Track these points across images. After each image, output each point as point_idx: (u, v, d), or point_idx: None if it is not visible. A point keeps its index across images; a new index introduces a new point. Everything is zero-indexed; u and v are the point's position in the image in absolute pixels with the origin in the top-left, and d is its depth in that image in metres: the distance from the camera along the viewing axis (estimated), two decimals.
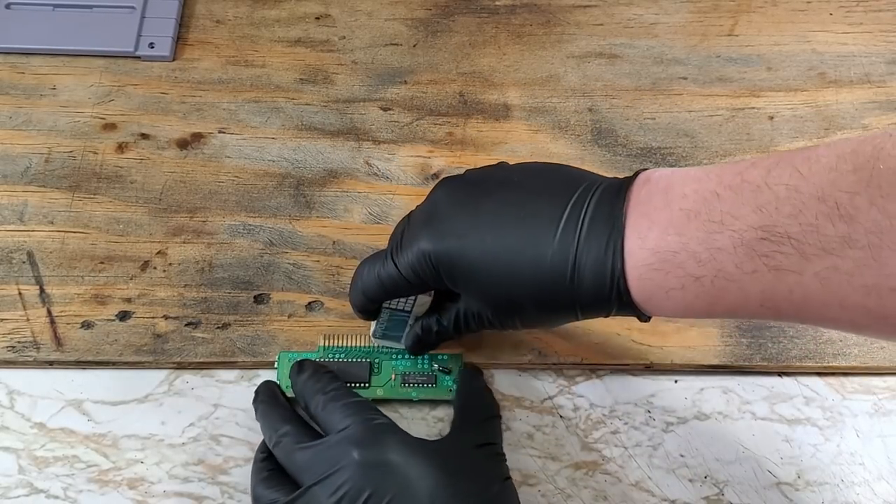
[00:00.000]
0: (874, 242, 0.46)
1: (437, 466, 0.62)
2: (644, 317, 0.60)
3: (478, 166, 0.67)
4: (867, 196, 0.47)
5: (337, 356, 0.74)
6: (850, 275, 0.48)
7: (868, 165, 0.47)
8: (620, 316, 0.60)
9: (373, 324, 0.71)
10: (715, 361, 0.75)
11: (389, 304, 0.67)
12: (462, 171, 0.67)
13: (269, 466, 0.66)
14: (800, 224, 0.49)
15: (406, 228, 0.64)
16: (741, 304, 0.54)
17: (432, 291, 0.66)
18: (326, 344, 0.75)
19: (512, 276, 0.60)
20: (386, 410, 0.68)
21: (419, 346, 0.71)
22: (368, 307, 0.68)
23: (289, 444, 0.64)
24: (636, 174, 0.59)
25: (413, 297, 0.67)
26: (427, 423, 0.73)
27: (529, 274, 0.59)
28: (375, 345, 0.74)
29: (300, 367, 0.70)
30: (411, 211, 0.66)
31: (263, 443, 0.68)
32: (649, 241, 0.55)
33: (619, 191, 0.58)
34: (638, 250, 0.55)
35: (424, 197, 0.66)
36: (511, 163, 0.67)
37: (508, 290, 0.60)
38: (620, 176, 0.62)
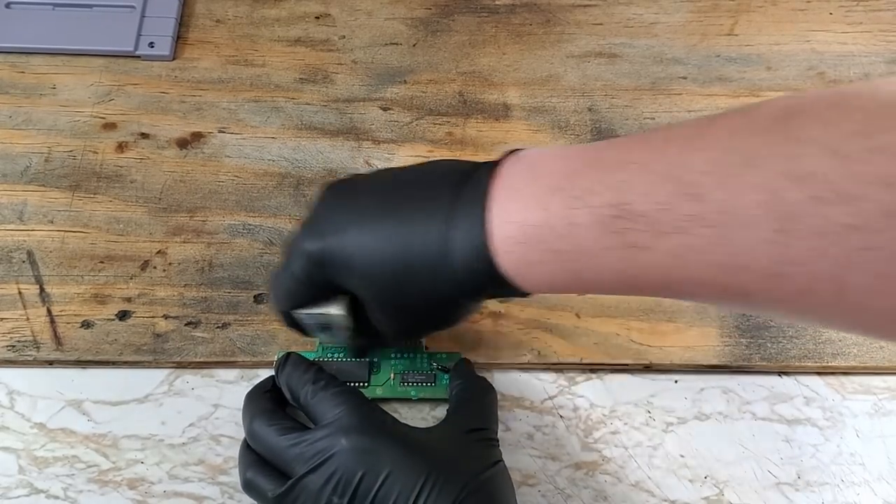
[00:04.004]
0: (723, 221, 0.47)
1: (428, 450, 0.62)
2: (520, 293, 0.59)
3: None
4: (716, 175, 0.47)
5: (336, 355, 0.74)
6: (702, 252, 0.48)
7: (719, 145, 0.48)
8: (500, 297, 0.61)
9: (315, 336, 0.72)
10: (714, 361, 0.75)
11: (308, 312, 0.67)
12: None
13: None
14: (653, 202, 0.49)
15: (295, 235, 0.65)
16: (601, 280, 0.54)
17: (345, 297, 0.66)
18: (325, 343, 0.75)
19: (388, 267, 0.60)
20: (385, 410, 0.68)
21: (356, 352, 0.74)
22: (289, 320, 0.69)
23: (277, 436, 0.65)
24: (507, 154, 0.59)
25: (325, 309, 0.66)
26: (427, 423, 0.73)
27: (404, 263, 0.59)
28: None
29: (285, 360, 0.70)
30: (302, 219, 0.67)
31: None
32: (514, 215, 0.55)
33: (486, 171, 0.58)
34: (503, 224, 0.55)
35: None
36: None
37: (387, 281, 0.60)
38: None
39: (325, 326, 0.67)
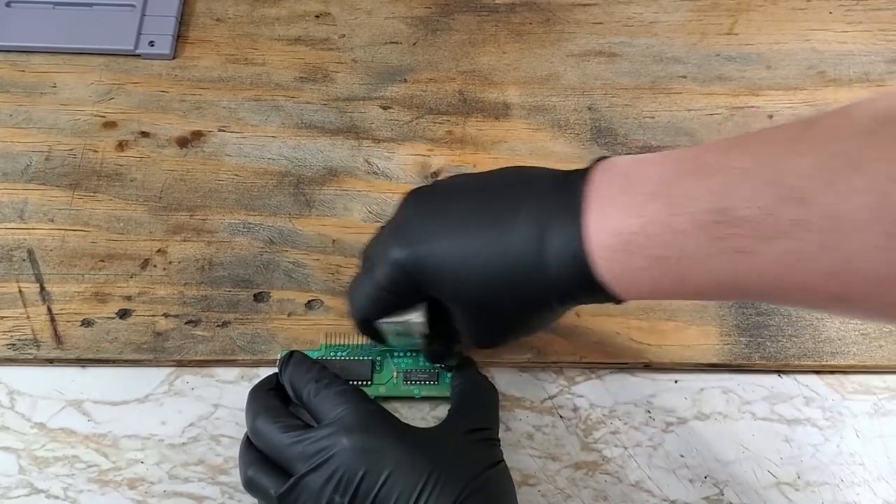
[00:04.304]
0: (830, 226, 0.46)
1: (429, 450, 0.63)
2: (617, 300, 0.59)
3: (476, 167, 0.67)
4: (821, 180, 0.47)
5: (339, 354, 0.74)
6: (809, 258, 0.48)
7: (821, 149, 0.48)
8: (597, 302, 0.60)
9: (394, 343, 0.72)
10: (714, 360, 0.76)
11: (388, 321, 0.67)
12: (457, 171, 0.67)
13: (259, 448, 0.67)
14: (755, 207, 0.49)
15: (378, 242, 0.64)
16: (707, 284, 0.54)
17: (423, 308, 0.66)
18: (328, 342, 0.75)
19: (481, 273, 0.59)
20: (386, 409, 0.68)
21: (434, 358, 0.73)
22: (367, 328, 0.68)
23: (279, 433, 0.65)
24: (596, 161, 0.59)
25: (406, 317, 0.66)
26: (427, 423, 0.73)
27: (498, 269, 0.59)
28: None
29: (288, 358, 0.70)
30: (382, 226, 0.66)
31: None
32: (611, 223, 0.55)
33: (579, 178, 0.58)
34: (600, 232, 0.55)
35: None
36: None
37: (480, 288, 0.60)
38: None
39: (403, 333, 0.67)
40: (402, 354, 0.74)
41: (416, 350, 0.74)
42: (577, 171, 0.59)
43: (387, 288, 0.63)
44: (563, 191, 0.58)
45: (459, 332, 0.65)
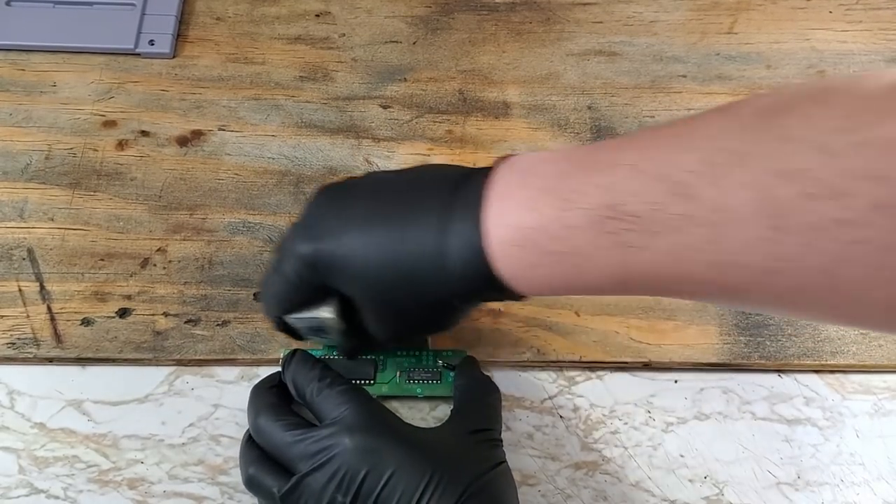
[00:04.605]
0: (716, 220, 0.47)
1: (432, 451, 0.63)
2: (517, 297, 0.59)
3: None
4: (707, 175, 0.47)
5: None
6: (697, 251, 0.49)
7: (707, 144, 0.48)
8: (495, 300, 0.61)
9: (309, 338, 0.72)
10: (713, 359, 0.76)
11: (299, 317, 0.67)
12: None
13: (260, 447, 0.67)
14: (644, 202, 0.49)
15: (286, 238, 0.65)
16: (597, 281, 0.54)
17: (333, 303, 0.65)
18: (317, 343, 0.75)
19: (382, 269, 0.60)
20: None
21: (348, 353, 0.73)
22: (278, 323, 0.69)
23: (282, 431, 0.65)
24: (500, 159, 0.59)
25: (316, 313, 0.66)
26: (427, 423, 0.73)
27: (399, 265, 0.59)
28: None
29: (291, 356, 0.70)
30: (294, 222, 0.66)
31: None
32: (508, 218, 0.55)
33: (482, 175, 0.58)
34: (498, 227, 0.56)
35: None
36: None
37: (384, 282, 0.60)
38: None
39: (317, 329, 0.67)
40: (404, 354, 0.74)
41: (332, 346, 0.74)
42: (480, 168, 0.59)
43: (293, 282, 0.63)
44: (466, 187, 0.58)
45: (367, 326, 0.66)
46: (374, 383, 0.73)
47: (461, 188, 0.58)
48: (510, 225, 0.55)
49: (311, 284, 0.63)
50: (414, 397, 0.74)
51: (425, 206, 0.59)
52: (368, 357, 0.74)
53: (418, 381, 0.73)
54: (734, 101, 0.51)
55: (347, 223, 0.61)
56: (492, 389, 0.71)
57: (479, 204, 0.56)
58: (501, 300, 0.61)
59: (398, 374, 0.74)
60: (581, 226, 0.52)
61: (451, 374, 0.73)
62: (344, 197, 0.64)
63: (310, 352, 0.71)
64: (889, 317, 0.47)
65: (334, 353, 0.74)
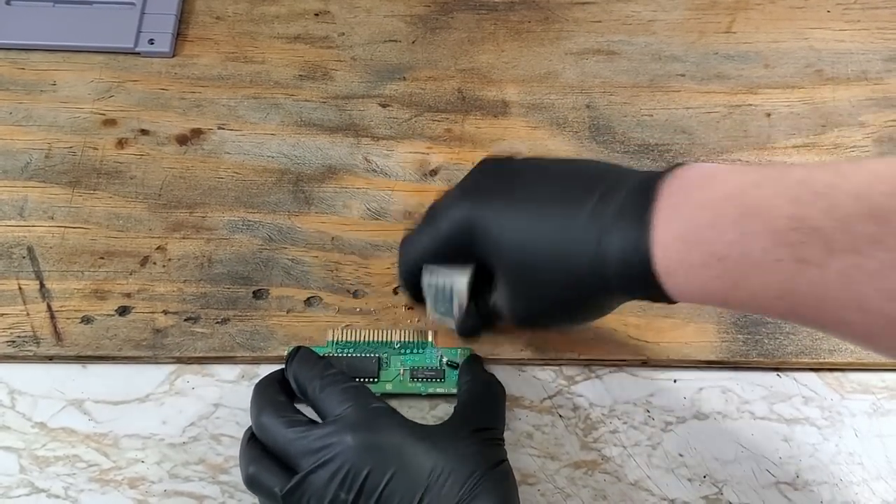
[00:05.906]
0: None
1: (434, 448, 0.63)
2: (668, 299, 0.59)
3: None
4: None
5: (345, 351, 0.74)
6: (873, 276, 0.48)
7: None
8: (647, 299, 0.60)
9: (427, 306, 0.71)
10: (711, 357, 0.76)
11: (430, 282, 0.68)
12: (456, 169, 0.68)
13: (261, 445, 0.66)
14: (832, 219, 0.49)
15: (445, 197, 0.66)
16: (760, 293, 0.54)
17: (469, 270, 0.66)
18: (335, 339, 0.75)
19: (541, 245, 0.60)
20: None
21: (464, 330, 0.72)
22: (410, 279, 0.69)
23: (284, 428, 0.65)
24: (676, 165, 0.59)
25: (451, 274, 0.67)
26: (426, 422, 0.73)
27: (560, 244, 0.60)
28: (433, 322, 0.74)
29: (294, 353, 0.70)
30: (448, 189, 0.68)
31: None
32: (681, 213, 0.55)
33: (657, 176, 0.58)
34: (668, 221, 0.56)
35: (422, 193, 0.67)
36: None
37: (537, 260, 0.61)
38: None
39: (441, 295, 0.68)
40: (408, 351, 0.74)
41: (448, 320, 0.72)
42: (656, 171, 0.59)
43: (442, 239, 0.64)
44: (637, 182, 0.59)
45: (499, 306, 0.66)
46: (377, 381, 0.73)
47: (632, 183, 0.59)
48: (681, 219, 0.55)
49: (458, 245, 0.64)
50: (413, 396, 0.74)
51: (596, 195, 0.60)
52: (371, 355, 0.74)
53: (422, 379, 0.74)
54: None
55: (512, 198, 0.62)
56: (495, 388, 0.71)
57: (651, 198, 0.57)
58: (650, 301, 0.60)
59: (402, 371, 0.74)
60: (760, 232, 0.52)
61: (455, 372, 0.73)
62: (511, 174, 0.65)
63: (313, 349, 0.71)
64: None
65: (338, 351, 0.74)
